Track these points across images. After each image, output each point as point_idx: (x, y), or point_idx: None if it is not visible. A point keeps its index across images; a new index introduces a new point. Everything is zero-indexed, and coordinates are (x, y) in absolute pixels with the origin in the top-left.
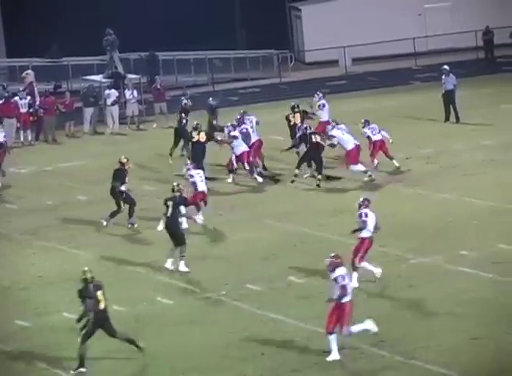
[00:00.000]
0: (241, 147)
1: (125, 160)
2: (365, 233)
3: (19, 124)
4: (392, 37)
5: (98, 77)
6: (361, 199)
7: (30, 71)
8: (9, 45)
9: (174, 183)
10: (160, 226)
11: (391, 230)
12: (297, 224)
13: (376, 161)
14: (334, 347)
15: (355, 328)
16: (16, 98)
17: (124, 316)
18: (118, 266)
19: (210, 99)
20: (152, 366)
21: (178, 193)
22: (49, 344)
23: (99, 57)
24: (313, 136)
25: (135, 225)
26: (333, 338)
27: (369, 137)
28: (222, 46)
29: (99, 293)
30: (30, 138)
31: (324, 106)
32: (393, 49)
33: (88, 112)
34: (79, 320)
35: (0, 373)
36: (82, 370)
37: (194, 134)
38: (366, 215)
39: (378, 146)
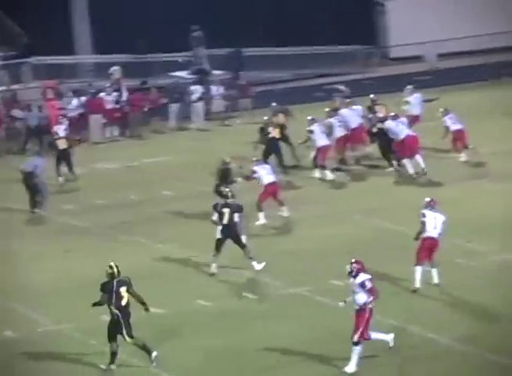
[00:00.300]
0: (320, 141)
1: (229, 160)
2: (424, 234)
3: (105, 120)
4: (478, 31)
5: (183, 73)
6: (427, 199)
7: (116, 67)
8: (95, 42)
9: (227, 189)
10: (218, 234)
11: (476, 226)
12: (381, 219)
13: (462, 155)
14: (381, 336)
15: (357, 350)
16: (103, 94)
17: (210, 311)
18: (202, 261)
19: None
20: (234, 361)
21: (231, 200)
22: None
23: (184, 53)
24: (374, 127)
25: None
26: (374, 335)
27: (447, 127)
28: (307, 42)
29: (123, 289)
30: (116, 134)
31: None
32: (479, 44)
33: (174, 108)
34: (94, 305)
35: (84, 366)
36: (154, 354)
37: (270, 129)
38: (424, 216)
39: (457, 136)
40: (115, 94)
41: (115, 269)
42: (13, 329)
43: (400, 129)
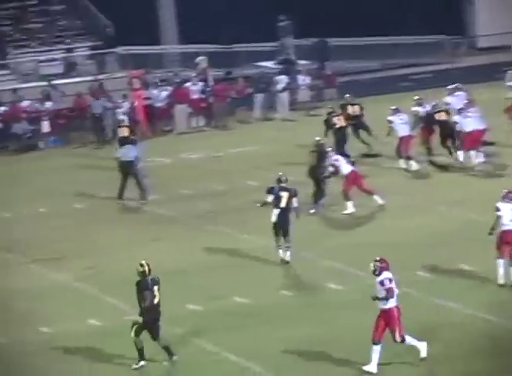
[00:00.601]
0: (402, 131)
1: (322, 142)
2: (501, 227)
3: (190, 110)
4: None
5: (269, 64)
6: (504, 191)
7: (203, 57)
8: (181, 32)
9: (280, 173)
10: (274, 218)
11: None
12: (465, 210)
13: None
14: (375, 358)
15: (409, 339)
16: (188, 84)
17: (294, 302)
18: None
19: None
20: (317, 351)
21: (284, 184)
22: (220, 327)
23: (270, 43)
24: (437, 115)
25: (311, 211)
26: (377, 348)
27: None
28: (393, 32)
29: (156, 288)
30: (201, 124)
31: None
32: None
33: (259, 98)
34: (142, 315)
35: (165, 354)
36: (141, 363)
37: (336, 120)
38: (498, 209)
39: None
40: (201, 84)
41: (146, 268)
42: (98, 317)
43: (467, 121)
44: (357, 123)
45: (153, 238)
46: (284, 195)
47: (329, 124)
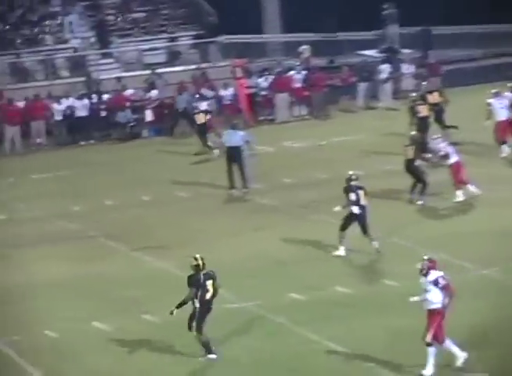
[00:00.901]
0: (498, 115)
1: (418, 136)
2: None
3: (292, 99)
4: None
5: (372, 52)
6: None
7: (306, 46)
8: (284, 21)
9: (350, 172)
10: (356, 210)
11: None
12: None
13: None
14: (456, 351)
15: (434, 348)
16: (292, 72)
17: (396, 292)
18: (386, 241)
19: None
20: (416, 342)
21: (355, 182)
22: (321, 317)
23: (373, 32)
24: None
25: (419, 202)
26: (449, 343)
27: None
28: (497, 20)
29: (209, 282)
30: (304, 113)
31: None
32: None
33: (362, 87)
34: (178, 307)
35: (266, 342)
36: (212, 356)
37: (420, 108)
38: None
39: None
40: (304, 73)
41: (200, 262)
42: None
43: None
44: (438, 110)
45: (255, 227)
46: (361, 193)
47: (413, 112)
